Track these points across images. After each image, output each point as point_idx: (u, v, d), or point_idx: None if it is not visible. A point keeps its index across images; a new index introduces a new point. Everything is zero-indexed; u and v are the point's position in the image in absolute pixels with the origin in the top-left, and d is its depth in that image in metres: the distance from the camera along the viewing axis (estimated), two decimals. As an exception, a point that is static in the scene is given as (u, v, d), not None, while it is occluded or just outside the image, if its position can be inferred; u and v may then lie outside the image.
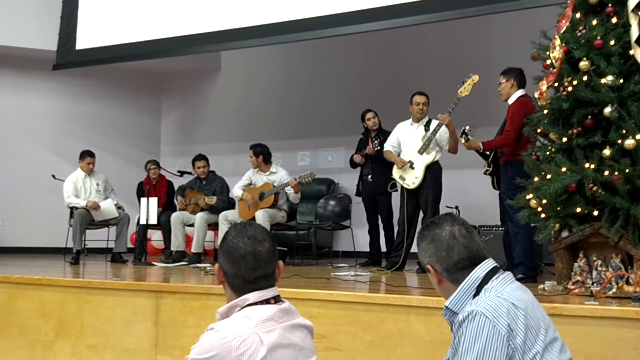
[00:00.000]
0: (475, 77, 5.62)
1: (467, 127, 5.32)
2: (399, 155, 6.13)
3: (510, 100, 5.16)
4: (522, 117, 4.80)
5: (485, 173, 5.59)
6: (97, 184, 7.54)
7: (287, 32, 6.85)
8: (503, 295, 1.83)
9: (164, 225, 7.40)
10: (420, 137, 6.01)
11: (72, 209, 7.38)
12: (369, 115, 6.90)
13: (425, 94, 6.13)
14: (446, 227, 1.97)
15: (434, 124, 6.00)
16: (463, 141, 5.34)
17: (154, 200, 7.23)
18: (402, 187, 6.05)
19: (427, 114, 6.13)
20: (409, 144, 6.08)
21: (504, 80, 5.22)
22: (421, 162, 5.95)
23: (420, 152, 5.95)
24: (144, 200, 7.24)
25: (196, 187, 7.50)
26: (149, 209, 7.16)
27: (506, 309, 1.79)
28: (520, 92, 5.15)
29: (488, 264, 1.94)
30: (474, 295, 1.89)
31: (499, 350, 1.75)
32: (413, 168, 5.98)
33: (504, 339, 1.76)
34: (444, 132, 5.85)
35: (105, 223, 7.49)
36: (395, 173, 6.10)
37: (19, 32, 8.54)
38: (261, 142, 7.18)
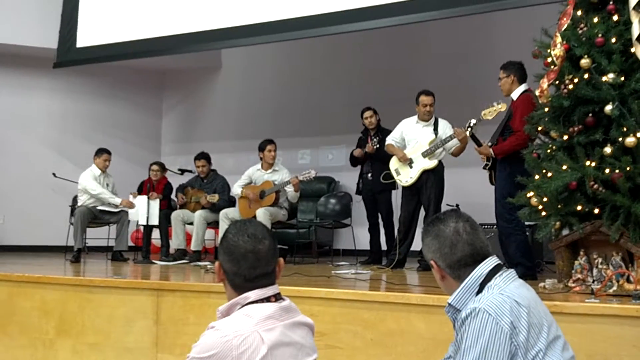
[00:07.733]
0: (503, 106, 5.33)
1: (473, 121, 5.28)
2: None
3: (514, 96, 5.05)
4: None
5: (484, 168, 5.57)
6: (107, 184, 7.50)
7: (288, 30, 6.83)
8: (506, 293, 1.83)
9: (160, 223, 7.36)
10: (428, 139, 5.96)
11: (73, 207, 7.35)
12: (367, 113, 6.89)
13: (431, 94, 6.04)
14: (450, 223, 1.96)
15: (441, 124, 5.98)
16: (468, 134, 5.28)
17: (156, 202, 7.22)
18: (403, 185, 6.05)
19: (433, 114, 6.10)
20: (414, 142, 6.05)
21: (504, 75, 5.11)
22: (421, 164, 5.93)
23: (424, 155, 5.93)
24: (141, 199, 7.23)
25: (197, 185, 7.48)
26: (150, 209, 7.15)
27: (509, 306, 1.79)
28: (523, 87, 5.03)
29: (491, 261, 1.93)
30: (477, 293, 1.88)
31: (502, 347, 1.75)
32: (411, 167, 5.97)
33: (506, 336, 1.75)
34: (454, 141, 5.81)
35: (106, 221, 7.48)
36: (393, 165, 6.10)
37: (20, 30, 8.53)
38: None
